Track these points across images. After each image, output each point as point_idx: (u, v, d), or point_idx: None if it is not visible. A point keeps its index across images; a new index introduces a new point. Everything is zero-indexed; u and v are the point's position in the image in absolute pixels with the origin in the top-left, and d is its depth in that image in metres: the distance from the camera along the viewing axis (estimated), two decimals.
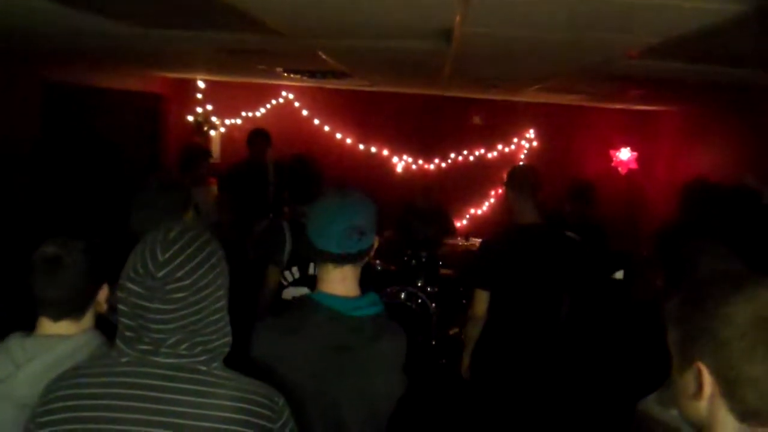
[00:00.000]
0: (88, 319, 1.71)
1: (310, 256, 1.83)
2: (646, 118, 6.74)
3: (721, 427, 0.99)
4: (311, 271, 2.90)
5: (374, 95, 6.79)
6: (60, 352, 1.58)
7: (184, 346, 1.23)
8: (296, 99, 7.01)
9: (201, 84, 6.98)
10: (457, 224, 6.67)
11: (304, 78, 5.42)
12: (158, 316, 1.21)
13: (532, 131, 6.98)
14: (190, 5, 2.27)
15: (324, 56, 3.59)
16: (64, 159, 4.78)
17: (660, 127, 6.63)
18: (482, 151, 7.01)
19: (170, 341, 1.22)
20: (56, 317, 1.64)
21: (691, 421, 1.05)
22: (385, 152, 7.02)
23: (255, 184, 5.25)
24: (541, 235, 3.05)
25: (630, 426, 1.63)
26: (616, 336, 2.83)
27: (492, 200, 7.09)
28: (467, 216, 7.09)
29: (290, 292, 2.92)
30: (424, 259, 5.10)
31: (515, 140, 7.00)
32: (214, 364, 1.26)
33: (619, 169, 6.77)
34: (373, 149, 7.01)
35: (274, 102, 7.03)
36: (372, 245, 1.70)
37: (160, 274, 1.21)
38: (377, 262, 5.12)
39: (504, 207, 4.12)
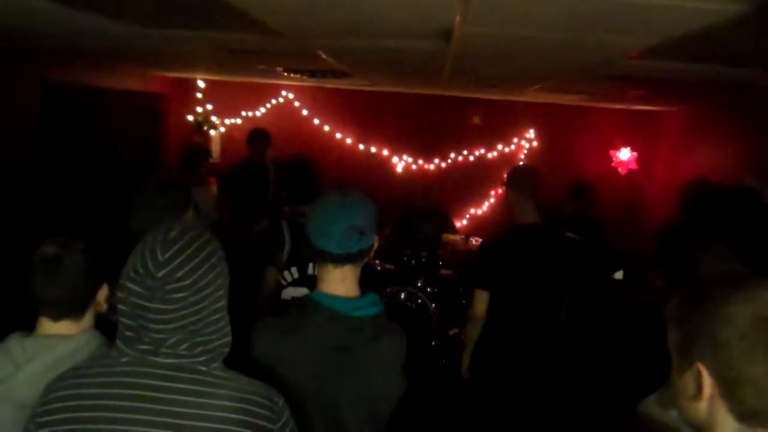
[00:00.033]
0: (87, 319, 1.70)
1: (310, 256, 1.83)
2: (646, 118, 6.74)
3: (720, 428, 0.99)
4: (310, 271, 2.90)
5: (374, 95, 6.79)
6: (60, 352, 1.58)
7: (184, 346, 1.23)
8: (296, 99, 7.00)
9: (201, 84, 6.98)
10: (457, 224, 6.67)
11: (304, 77, 5.42)
12: (158, 316, 1.21)
13: (532, 131, 6.98)
14: (191, 5, 2.27)
15: (324, 56, 3.59)
16: (64, 159, 4.78)
17: (660, 128, 6.63)
18: (482, 151, 7.00)
19: (170, 341, 1.22)
20: (56, 317, 1.64)
21: (691, 422, 1.05)
22: (385, 152, 7.02)
23: (255, 184, 5.25)
24: (541, 236, 3.05)
25: (630, 427, 1.63)
26: (616, 336, 2.83)
27: (492, 200, 7.08)
28: (467, 216, 7.09)
29: (289, 293, 2.92)
30: (423, 260, 5.10)
31: (515, 140, 7.00)
32: (214, 365, 1.26)
33: (619, 169, 6.77)
34: (373, 149, 7.01)
35: (274, 102, 7.03)
36: (372, 245, 1.70)
37: (160, 274, 1.21)
38: (377, 262, 5.12)
39: (504, 207, 4.12)
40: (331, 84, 6.21)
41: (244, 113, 7.04)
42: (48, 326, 1.65)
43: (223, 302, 1.30)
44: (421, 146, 7.00)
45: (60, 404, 1.22)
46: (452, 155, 7.01)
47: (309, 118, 7.00)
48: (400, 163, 7.05)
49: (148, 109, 6.49)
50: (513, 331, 3.02)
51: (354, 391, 1.61)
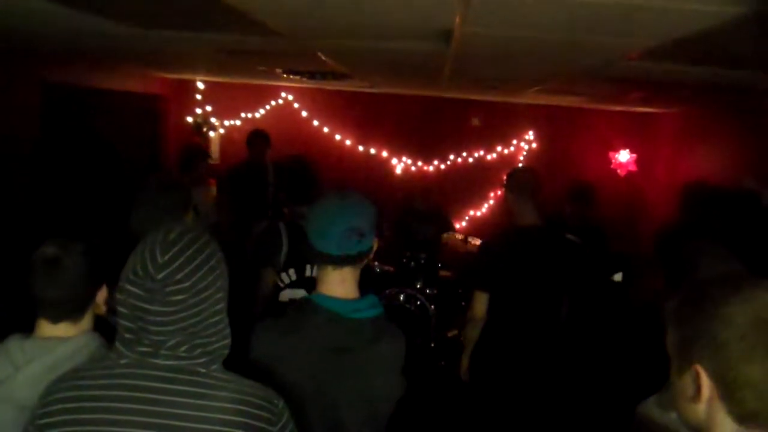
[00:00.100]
0: (87, 321, 1.70)
1: (309, 258, 1.83)
2: (646, 120, 6.75)
3: (719, 429, 0.99)
4: (308, 273, 2.90)
5: (374, 96, 6.79)
6: (59, 353, 1.58)
7: (183, 348, 1.22)
8: (296, 100, 7.01)
9: (200, 85, 6.98)
10: (457, 226, 6.67)
11: (304, 79, 5.42)
12: (158, 318, 1.21)
13: (531, 133, 6.98)
14: (191, 6, 2.27)
15: (324, 57, 3.59)
16: (63, 159, 4.78)
17: (659, 129, 6.64)
18: (481, 152, 7.01)
19: (170, 343, 1.22)
20: (55, 319, 1.64)
21: (690, 424, 1.05)
22: (385, 154, 7.02)
23: (254, 186, 5.24)
24: (541, 237, 3.05)
25: (630, 429, 1.63)
26: (616, 338, 2.83)
27: (491, 202, 7.09)
28: (466, 217, 7.09)
29: (287, 294, 2.91)
30: (423, 261, 5.10)
31: (514, 142, 7.00)
32: (214, 366, 1.26)
33: (619, 171, 6.78)
34: (373, 151, 7.01)
35: (273, 103, 7.03)
36: (371, 247, 1.70)
37: (160, 276, 1.21)
38: (376, 263, 5.12)
39: (503, 209, 4.12)
40: (330, 86, 6.21)
41: (243, 115, 7.04)
42: (47, 328, 1.64)
43: (222, 304, 1.30)
44: (420, 148, 7.01)
45: (60, 406, 1.22)
46: (452, 157, 7.01)
47: (308, 120, 7.00)
48: (400, 165, 7.05)
49: (148, 111, 6.50)
50: (512, 333, 3.02)
51: (353, 393, 1.61)
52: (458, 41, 2.56)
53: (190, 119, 6.98)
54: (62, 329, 1.64)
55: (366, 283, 1.73)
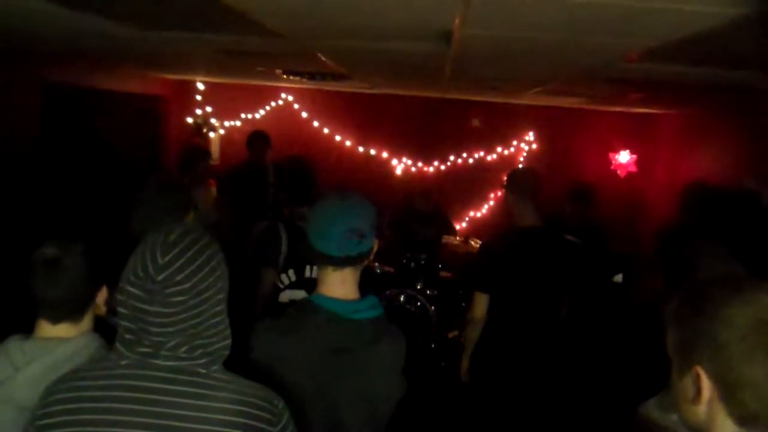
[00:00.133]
0: (87, 322, 1.70)
1: (309, 259, 1.83)
2: (646, 121, 6.75)
3: (720, 431, 0.99)
4: (308, 273, 2.90)
5: (374, 97, 6.79)
6: (59, 354, 1.57)
7: (183, 349, 1.22)
8: (296, 101, 7.01)
9: (200, 86, 6.98)
10: (457, 227, 6.67)
11: (304, 80, 5.42)
12: (158, 319, 1.21)
13: (531, 134, 6.98)
14: (190, 7, 2.27)
15: (323, 58, 3.59)
16: (63, 160, 4.78)
17: (659, 130, 6.64)
18: (481, 153, 7.01)
19: (170, 344, 1.22)
20: (55, 319, 1.64)
21: (690, 426, 1.05)
22: (385, 154, 7.02)
23: (254, 186, 5.24)
24: (541, 238, 3.05)
25: (630, 430, 1.63)
26: (616, 339, 2.83)
27: (491, 203, 7.09)
28: (466, 218, 7.09)
29: (287, 295, 2.91)
30: (423, 262, 5.09)
31: (515, 143, 7.00)
32: (214, 367, 1.26)
33: (618, 172, 6.78)
34: (373, 151, 7.01)
35: (273, 104, 7.03)
36: (372, 248, 1.70)
37: (160, 277, 1.21)
38: (376, 264, 5.11)
39: (503, 209, 4.12)
40: (330, 86, 6.21)
41: (243, 115, 7.04)
42: (47, 329, 1.64)
43: (222, 305, 1.30)
44: (420, 148, 7.00)
45: (60, 407, 1.22)
46: (452, 158, 7.01)
47: (308, 121, 7.00)
48: (400, 166, 7.05)
49: (148, 111, 6.50)
50: (513, 334, 3.01)
51: (353, 393, 1.61)
52: (458, 42, 2.56)
53: (190, 120, 6.98)
54: (62, 330, 1.64)
55: (366, 284, 1.73)
